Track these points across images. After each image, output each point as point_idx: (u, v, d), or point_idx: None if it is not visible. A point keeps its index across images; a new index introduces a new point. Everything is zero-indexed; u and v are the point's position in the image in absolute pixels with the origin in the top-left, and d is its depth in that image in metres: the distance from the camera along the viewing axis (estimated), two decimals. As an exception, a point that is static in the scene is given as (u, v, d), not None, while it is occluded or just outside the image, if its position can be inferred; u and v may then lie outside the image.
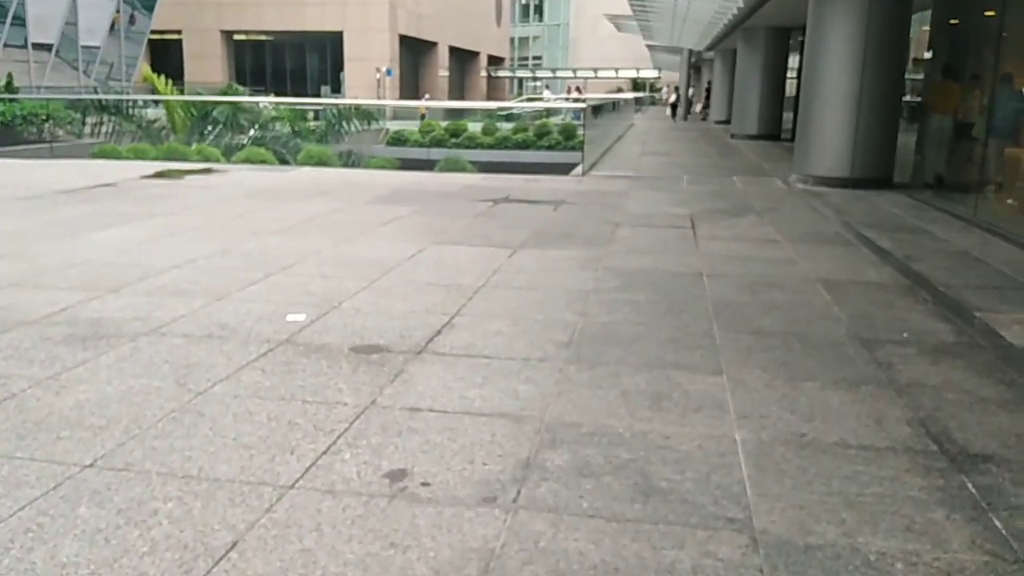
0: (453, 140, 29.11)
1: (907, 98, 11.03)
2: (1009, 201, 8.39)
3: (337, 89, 47.04)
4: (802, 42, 20.43)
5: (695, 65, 42.14)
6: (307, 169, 12.44)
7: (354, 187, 10.17)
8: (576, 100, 34.35)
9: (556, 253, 6.29)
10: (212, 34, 46.09)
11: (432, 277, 5.38)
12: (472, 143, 28.72)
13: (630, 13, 29.51)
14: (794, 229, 7.55)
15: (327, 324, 4.28)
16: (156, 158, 13.76)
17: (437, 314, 4.48)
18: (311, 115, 22.61)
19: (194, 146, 15.62)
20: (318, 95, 46.66)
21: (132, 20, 33.02)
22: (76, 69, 29.83)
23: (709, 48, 30.27)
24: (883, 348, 4.02)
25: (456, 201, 9.12)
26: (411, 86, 51.99)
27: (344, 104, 27.14)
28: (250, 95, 35.18)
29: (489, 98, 61.58)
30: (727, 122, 26.36)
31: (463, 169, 13.59)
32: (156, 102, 19.76)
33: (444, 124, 30.57)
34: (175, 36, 46.16)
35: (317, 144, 19.77)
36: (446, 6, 53.22)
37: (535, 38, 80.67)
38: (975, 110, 9.37)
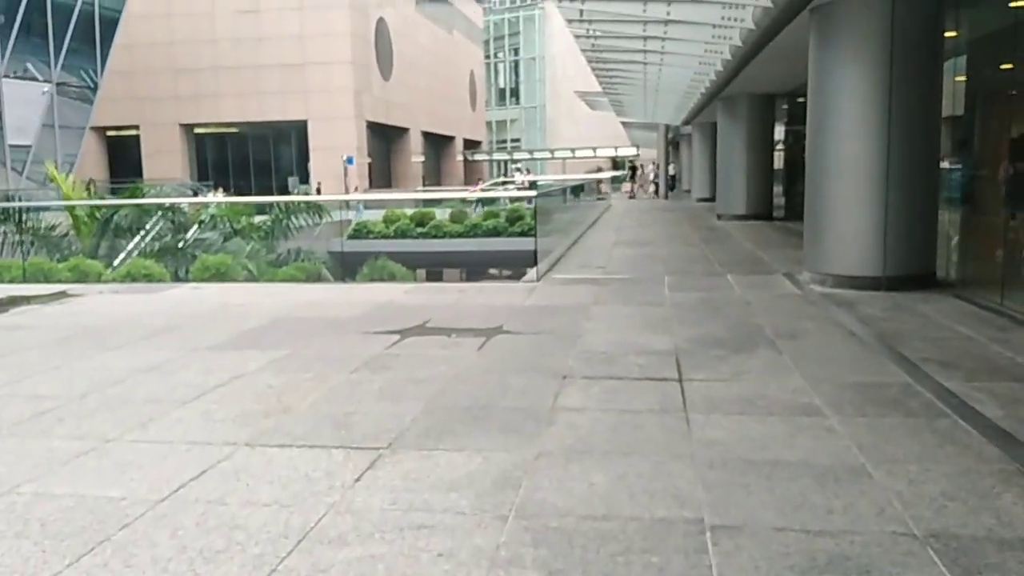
0: (419, 230, 26.94)
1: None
2: None
3: (305, 179, 45.13)
4: (787, 110, 18.45)
5: (673, 141, 40.52)
6: (186, 288, 9.81)
7: (219, 318, 7.52)
8: (520, 186, 32.06)
9: (444, 463, 3.60)
10: (171, 128, 44.25)
11: (180, 556, 2.66)
12: (439, 232, 26.56)
13: (600, 90, 27.80)
14: (835, 379, 4.90)
15: None
16: (59, 276, 11.08)
17: None
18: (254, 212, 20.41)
19: (73, 259, 13.09)
20: (285, 186, 44.79)
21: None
22: (4, 167, 27.58)
23: (687, 122, 28.45)
24: None
25: (347, 336, 6.48)
26: (383, 173, 50.24)
27: (290, 200, 24.88)
28: (196, 192, 33.09)
29: (467, 182, 60.09)
30: (710, 199, 24.20)
31: (393, 277, 10.96)
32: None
33: (409, 213, 28.48)
34: (133, 132, 44.35)
35: (262, 242, 17.39)
36: (417, 92, 52.05)
37: (513, 120, 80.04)
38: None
